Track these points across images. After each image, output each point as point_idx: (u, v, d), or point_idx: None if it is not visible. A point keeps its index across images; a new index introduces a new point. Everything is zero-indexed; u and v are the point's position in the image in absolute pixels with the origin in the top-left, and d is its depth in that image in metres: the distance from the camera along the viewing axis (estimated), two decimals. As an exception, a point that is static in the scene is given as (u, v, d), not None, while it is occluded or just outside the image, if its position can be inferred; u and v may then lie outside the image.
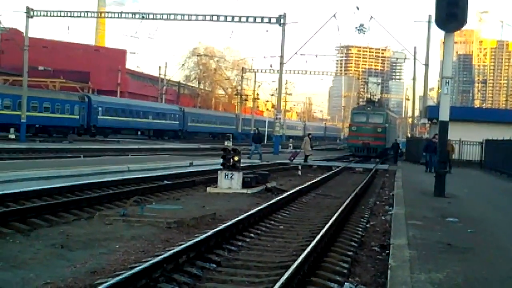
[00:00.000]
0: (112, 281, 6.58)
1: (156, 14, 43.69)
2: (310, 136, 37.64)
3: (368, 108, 47.00)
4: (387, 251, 9.29)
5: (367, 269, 8.94)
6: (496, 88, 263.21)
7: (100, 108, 58.51)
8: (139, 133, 67.40)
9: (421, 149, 33.15)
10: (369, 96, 56.49)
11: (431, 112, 39.25)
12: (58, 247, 9.32)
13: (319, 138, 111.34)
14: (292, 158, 33.21)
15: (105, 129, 60.47)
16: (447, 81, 16.97)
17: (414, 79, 61.21)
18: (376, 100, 55.11)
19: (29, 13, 44.20)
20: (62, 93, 57.73)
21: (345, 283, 7.84)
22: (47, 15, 45.76)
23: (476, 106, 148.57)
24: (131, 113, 63.98)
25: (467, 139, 35.34)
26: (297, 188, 18.68)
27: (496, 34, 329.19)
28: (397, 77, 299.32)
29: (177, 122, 72.74)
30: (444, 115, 16.88)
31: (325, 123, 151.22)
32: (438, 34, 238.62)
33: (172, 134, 71.77)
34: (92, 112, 56.92)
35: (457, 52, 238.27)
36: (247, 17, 43.36)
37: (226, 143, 18.87)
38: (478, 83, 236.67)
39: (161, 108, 72.49)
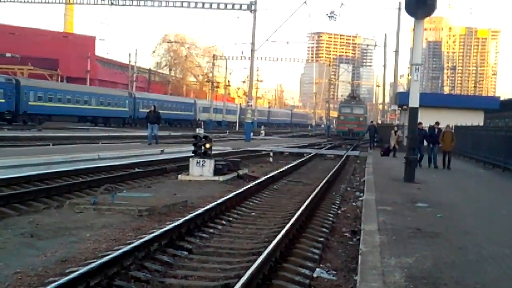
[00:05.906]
0: (83, 269, 6.53)
1: (125, 0, 43.22)
2: (396, 130, 35.56)
3: (353, 102, 60.83)
4: (358, 237, 9.39)
5: (338, 255, 9.02)
6: (465, 74, 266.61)
7: None
8: None
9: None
10: (351, 92, 68.73)
11: (401, 99, 39.61)
12: (27, 236, 9.21)
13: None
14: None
15: None
16: (417, 68, 17.16)
17: (384, 66, 62.36)
18: (357, 95, 68.22)
19: (-5, -2, 43.43)
20: None
21: (317, 269, 7.90)
22: (14, 1, 45.06)
23: (445, 93, 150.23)
24: None
25: (437, 125, 35.66)
26: (269, 175, 18.71)
27: (465, 21, 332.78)
28: (368, 63, 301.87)
29: (3, 100, 48.88)
30: (414, 102, 17.07)
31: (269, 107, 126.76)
32: (408, 21, 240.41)
33: None
34: None
35: (426, 39, 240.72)
36: (218, 4, 43.15)
37: (197, 130, 18.69)
38: (447, 69, 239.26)
39: None
